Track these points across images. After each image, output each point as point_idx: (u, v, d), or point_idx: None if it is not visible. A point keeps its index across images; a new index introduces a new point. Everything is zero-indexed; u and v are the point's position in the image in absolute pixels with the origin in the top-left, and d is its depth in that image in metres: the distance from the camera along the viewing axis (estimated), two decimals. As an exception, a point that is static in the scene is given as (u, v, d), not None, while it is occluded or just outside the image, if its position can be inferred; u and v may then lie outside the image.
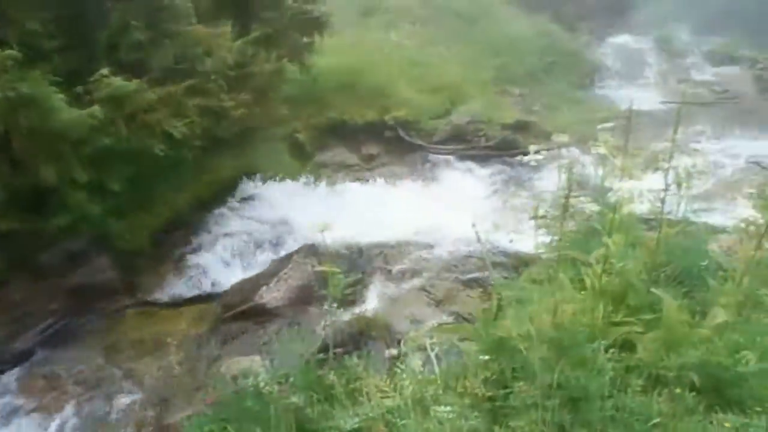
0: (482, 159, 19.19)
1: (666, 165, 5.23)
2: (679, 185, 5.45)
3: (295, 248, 13.70)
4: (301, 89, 18.87)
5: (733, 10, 38.56)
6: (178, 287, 13.42)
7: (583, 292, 5.43)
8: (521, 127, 20.50)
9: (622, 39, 34.95)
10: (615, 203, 4.71)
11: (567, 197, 4.67)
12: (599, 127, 5.71)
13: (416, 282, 12.96)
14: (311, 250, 12.95)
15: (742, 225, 4.95)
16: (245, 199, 15.58)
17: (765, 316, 5.32)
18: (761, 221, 4.76)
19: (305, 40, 17.57)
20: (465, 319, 10.76)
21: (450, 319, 11.32)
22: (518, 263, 11.18)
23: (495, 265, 11.68)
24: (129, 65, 12.57)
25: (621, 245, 5.33)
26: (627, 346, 4.95)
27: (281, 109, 16.75)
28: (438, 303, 12.22)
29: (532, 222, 5.16)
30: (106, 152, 11.96)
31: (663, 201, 5.23)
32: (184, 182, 14.45)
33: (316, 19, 17.49)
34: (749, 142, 21.75)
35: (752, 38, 34.03)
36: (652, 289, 5.20)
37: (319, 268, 6.05)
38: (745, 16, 37.84)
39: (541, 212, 4.85)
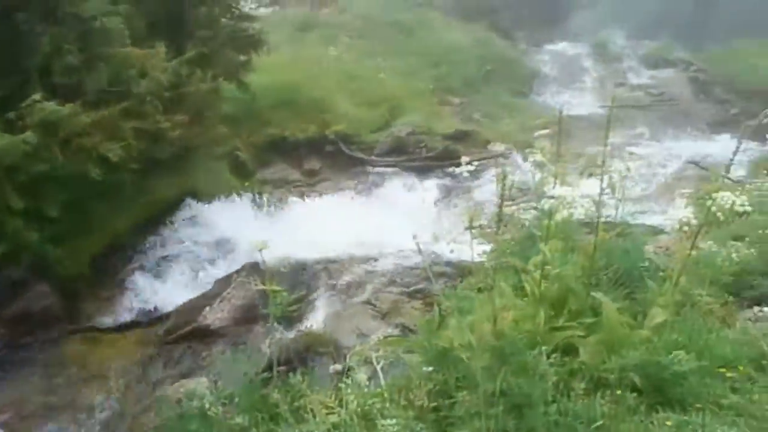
0: (424, 170, 19.28)
1: (601, 169, 5.30)
2: (613, 189, 5.53)
3: (238, 267, 13.63)
4: (240, 107, 18.79)
5: (665, 14, 39.17)
6: (121, 311, 13.22)
7: (524, 299, 5.47)
8: (462, 136, 20.64)
9: (560, 46, 35.34)
10: (550, 209, 4.74)
11: (500, 206, 4.70)
12: (536, 134, 5.78)
13: (361, 295, 12.94)
14: (254, 269, 12.84)
15: (677, 226, 5.02)
16: (186, 220, 15.40)
17: (701, 314, 5.42)
18: (695, 222, 4.84)
19: (242, 58, 17.48)
20: (411, 331, 10.78)
21: (396, 332, 11.31)
22: (461, 272, 11.24)
23: (438, 275, 11.72)
24: (62, 89, 12.40)
25: (558, 251, 5.38)
26: (569, 350, 4.99)
27: (220, 127, 16.64)
28: (384, 315, 12.21)
29: (480, 228, 5.19)
30: (41, 178, 11.77)
31: (599, 205, 5.29)
32: (123, 205, 14.26)
33: (252, 37, 17.43)
34: (687, 143, 22.12)
35: (685, 41, 34.62)
36: (593, 293, 5.26)
37: (261, 287, 5.99)
38: (678, 20, 38.47)
39: (476, 221, 4.87)
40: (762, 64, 26.91)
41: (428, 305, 11.47)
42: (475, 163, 4.78)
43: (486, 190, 16.76)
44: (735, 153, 4.97)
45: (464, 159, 5.26)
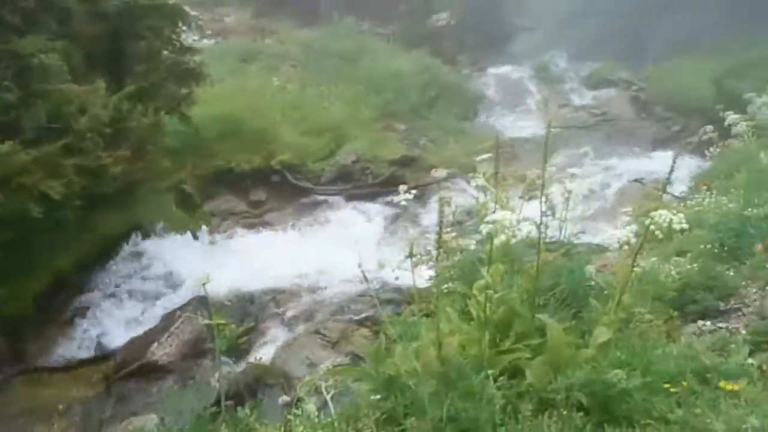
0: (370, 197, 19.30)
1: (544, 191, 5.35)
2: (554, 211, 5.57)
3: (185, 301, 13.51)
4: (183, 140, 18.66)
5: (605, 35, 39.75)
6: (68, 350, 13.05)
7: (470, 323, 5.48)
8: (407, 162, 20.74)
9: (503, 69, 35.68)
10: (489, 234, 4.76)
11: (440, 233, 4.73)
12: (478, 158, 5.80)
13: (310, 325, 12.94)
14: (201, 303, 12.76)
15: (617, 245, 5.06)
16: (132, 255, 15.25)
17: (644, 331, 5.46)
18: (634, 240, 4.88)
19: (183, 91, 17.37)
20: (360, 359, 10.73)
21: (346, 360, 11.31)
22: (408, 298, 11.26)
23: (386, 301, 11.74)
24: (0, 127, 12.25)
25: (501, 274, 5.40)
26: (516, 372, 4.99)
27: (163, 161, 16.50)
28: (333, 344, 12.20)
29: (420, 256, 5.20)
30: (-20, 218, 11.62)
31: (539, 227, 5.32)
32: (67, 242, 14.08)
33: (193, 70, 17.34)
34: (631, 161, 22.43)
35: (625, 61, 35.17)
36: (537, 315, 5.28)
37: (208, 321, 5.94)
38: (617, 41, 39.02)
39: (419, 248, 4.88)
40: (699, 82, 27.37)
41: (377, 332, 11.48)
42: (414, 191, 4.75)
43: (433, 215, 16.81)
44: (671, 171, 5.03)
45: (402, 188, 5.27)
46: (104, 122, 13.77)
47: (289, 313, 13.40)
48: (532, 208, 5.44)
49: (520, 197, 5.65)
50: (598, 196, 18.58)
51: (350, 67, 29.77)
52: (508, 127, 26.81)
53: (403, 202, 5.21)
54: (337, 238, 16.22)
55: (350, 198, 19.59)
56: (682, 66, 30.55)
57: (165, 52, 17.14)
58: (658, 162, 20.95)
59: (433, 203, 16.80)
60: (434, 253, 4.87)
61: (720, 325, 6.33)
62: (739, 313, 6.52)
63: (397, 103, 27.07)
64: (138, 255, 15.28)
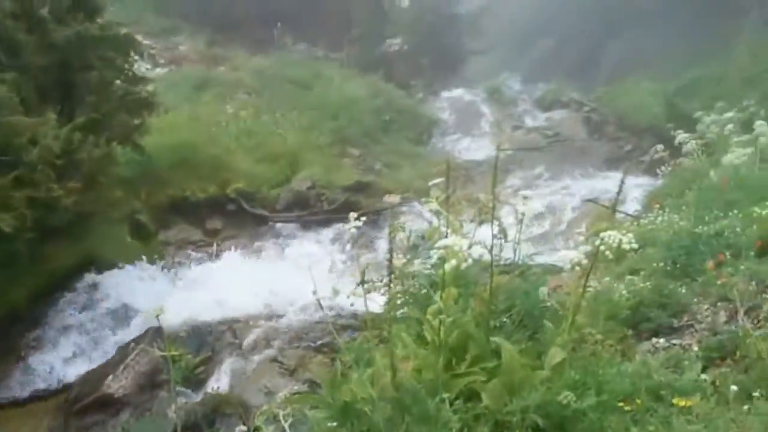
0: (325, 223, 19.34)
1: (496, 214, 5.37)
2: (505, 234, 5.59)
3: (141, 333, 13.37)
4: (137, 169, 18.50)
5: (557, 57, 40.29)
6: (22, 384, 12.84)
7: (425, 348, 5.47)
8: (362, 187, 20.79)
9: (456, 92, 35.92)
10: (441, 259, 4.77)
11: (390, 260, 4.73)
12: (431, 182, 5.81)
13: (268, 353, 12.86)
14: (157, 334, 12.64)
15: (568, 266, 5.09)
16: (86, 287, 15.08)
17: (598, 350, 5.48)
18: (585, 261, 4.91)
19: (135, 121, 17.25)
20: (318, 386, 10.68)
21: (304, 387, 11.26)
22: (364, 324, 11.25)
23: (343, 327, 11.73)
24: (-50, 161, 12.13)
25: (455, 298, 5.40)
26: (472, 395, 4.98)
27: (116, 191, 16.35)
28: (291, 372, 12.16)
29: (372, 282, 5.19)
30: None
31: (492, 249, 5.33)
32: (19, 275, 13.89)
33: (145, 100, 17.24)
34: (584, 181, 22.63)
35: (576, 82, 35.59)
36: (492, 338, 5.28)
37: (163, 353, 5.88)
38: (567, 63, 39.55)
39: (372, 273, 4.88)
40: (649, 101, 27.77)
41: (334, 359, 11.45)
42: (363, 219, 4.74)
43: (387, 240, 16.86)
44: (619, 192, 5.08)
45: (352, 215, 5.27)
46: (55, 154, 13.64)
47: (246, 342, 13.32)
48: (485, 231, 5.46)
49: (472, 221, 5.66)
50: (552, 216, 18.73)
51: (304, 93, 29.81)
52: (462, 150, 26.99)
53: (353, 230, 5.21)
54: (293, 265, 16.17)
55: (306, 224, 19.60)
56: (632, 86, 30.99)
57: (117, 82, 17.02)
58: (612, 181, 21.12)
59: (389, 228, 16.87)
60: (386, 279, 4.86)
61: (673, 341, 6.39)
62: (692, 330, 6.58)
63: (352, 128, 27.15)
64: (92, 286, 15.09)
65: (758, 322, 6.02)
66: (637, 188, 19.75)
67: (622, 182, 5.13)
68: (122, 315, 14.47)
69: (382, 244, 17.13)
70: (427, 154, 26.40)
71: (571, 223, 18.61)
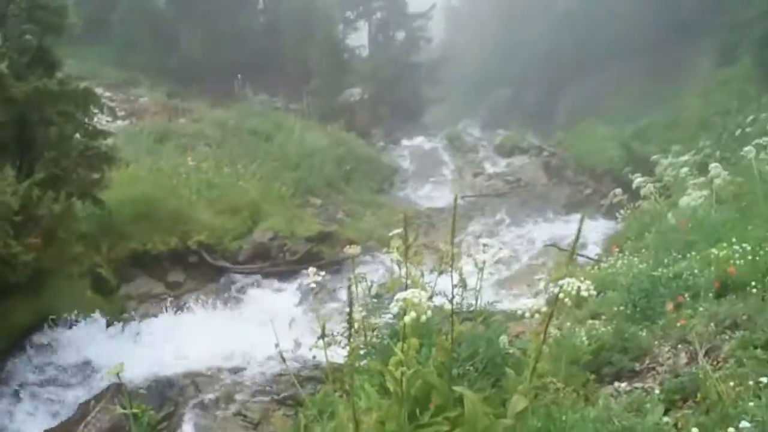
0: (287, 274, 19.35)
1: (457, 263, 5.39)
2: (464, 284, 5.61)
3: (102, 390, 13.18)
4: (97, 223, 18.37)
5: (516, 103, 40.75)
6: (-19, 444, 12.64)
7: (388, 399, 5.45)
8: (324, 237, 20.82)
9: (417, 140, 36.17)
10: (400, 311, 4.77)
11: (350, 312, 4.73)
12: (391, 233, 5.83)
13: (231, 407, 12.71)
14: (118, 390, 12.47)
15: (528, 314, 5.10)
16: (46, 343, 14.88)
17: (561, 397, 5.49)
18: (545, 309, 4.92)
19: (95, 175, 17.16)
20: (282, 439, 10.61)
21: (268, 441, 11.15)
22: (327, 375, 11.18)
23: (307, 379, 11.63)
24: None
25: (417, 348, 5.39)
26: (436, 445, 4.97)
27: (76, 246, 16.22)
28: (255, 426, 12.04)
29: (332, 335, 5.18)
30: None
31: (453, 299, 5.35)
32: (-23, 334, 13.73)
33: (105, 153, 17.16)
34: (546, 226, 22.80)
35: (535, 128, 36.02)
36: (455, 387, 5.28)
37: (124, 410, 5.78)
38: (525, 109, 40.02)
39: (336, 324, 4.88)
40: (607, 145, 28.11)
41: (299, 412, 11.36)
42: (322, 274, 4.76)
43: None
44: (577, 238, 5.10)
45: (311, 270, 5.29)
46: (14, 210, 13.53)
47: (209, 396, 13.15)
48: (446, 281, 5.48)
49: (432, 271, 5.69)
50: (514, 262, 18.81)
51: (265, 143, 29.91)
52: (424, 198, 27.13)
53: (312, 285, 5.22)
54: (255, 317, 16.07)
55: (268, 276, 19.58)
56: (590, 130, 31.40)
57: (77, 136, 16.95)
58: (572, 225, 21.27)
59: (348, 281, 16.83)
60: (346, 331, 4.86)
61: (636, 385, 6.41)
62: (654, 372, 6.61)
63: (313, 178, 27.25)
64: (52, 343, 14.89)
65: (718, 363, 6.06)
66: (597, 231, 19.96)
67: (579, 229, 5.17)
68: (83, 371, 14.25)
69: (344, 294, 17.09)
70: (389, 202, 26.49)
71: (532, 268, 18.69)
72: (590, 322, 8.06)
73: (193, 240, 19.86)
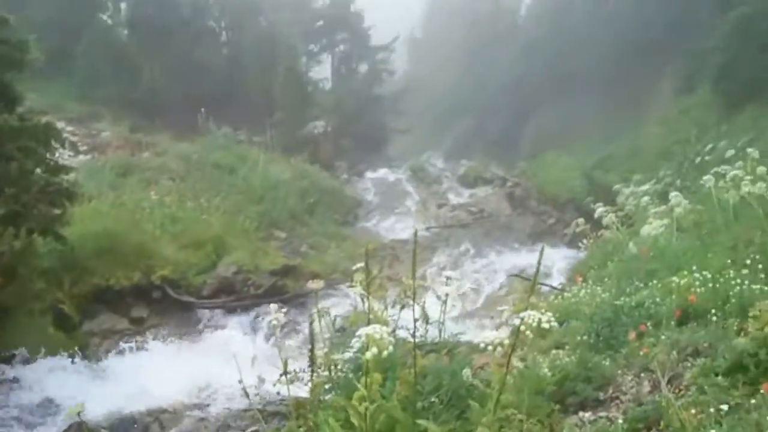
0: (252, 308, 19.23)
1: (420, 296, 5.40)
2: (426, 318, 5.62)
3: (64, 428, 12.99)
4: (59, 259, 18.17)
5: (479, 134, 40.96)
6: (-61, 487, 12.42)
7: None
8: (289, 270, 20.77)
9: (381, 172, 36.25)
10: (362, 346, 4.78)
11: (312, 348, 4.74)
12: (354, 267, 5.82)
13: (195, 444, 12.62)
14: (81, 429, 12.31)
15: (490, 347, 5.11)
16: (7, 382, 14.68)
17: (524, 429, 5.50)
18: (506, 342, 4.94)
19: (56, 211, 17.00)
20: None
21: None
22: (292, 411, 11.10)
23: (271, 414, 11.54)
24: None
25: (380, 382, 5.38)
26: (402, 480, 4.96)
27: (37, 283, 16.08)
28: (221, 462, 11.93)
29: (294, 372, 5.17)
30: None
31: (416, 332, 5.36)
32: (-64, 373, 13.52)
33: (66, 189, 17.02)
34: (510, 256, 22.88)
35: (498, 158, 36.19)
36: (419, 420, 5.27)
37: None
38: (488, 139, 40.27)
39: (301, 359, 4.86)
40: (569, 175, 28.33)
41: (265, 448, 11.28)
42: (284, 310, 4.76)
43: (316, 323, 16.71)
44: (537, 269, 5.14)
45: (273, 307, 5.29)
46: (-27, 248, 13.41)
47: (174, 433, 13.05)
48: (409, 314, 5.50)
49: (394, 305, 5.71)
50: (478, 293, 18.85)
51: (229, 176, 29.84)
52: (389, 230, 27.16)
53: (274, 322, 5.22)
54: (220, 353, 15.90)
55: (232, 310, 19.50)
56: (553, 160, 31.67)
57: (38, 171, 16.80)
58: (536, 255, 21.42)
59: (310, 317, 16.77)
60: (309, 367, 4.86)
61: (600, 414, 6.43)
62: (618, 401, 6.64)
63: (277, 211, 27.22)
64: (13, 382, 14.70)
65: (680, 391, 6.10)
66: (561, 261, 20.05)
67: (539, 261, 5.21)
68: (45, 409, 14.06)
69: (306, 328, 17.04)
70: (353, 234, 26.48)
71: (496, 299, 18.74)
72: (554, 351, 8.09)
73: (157, 275, 19.68)
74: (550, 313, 4.76)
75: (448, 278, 6.03)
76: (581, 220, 16.19)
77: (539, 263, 5.31)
